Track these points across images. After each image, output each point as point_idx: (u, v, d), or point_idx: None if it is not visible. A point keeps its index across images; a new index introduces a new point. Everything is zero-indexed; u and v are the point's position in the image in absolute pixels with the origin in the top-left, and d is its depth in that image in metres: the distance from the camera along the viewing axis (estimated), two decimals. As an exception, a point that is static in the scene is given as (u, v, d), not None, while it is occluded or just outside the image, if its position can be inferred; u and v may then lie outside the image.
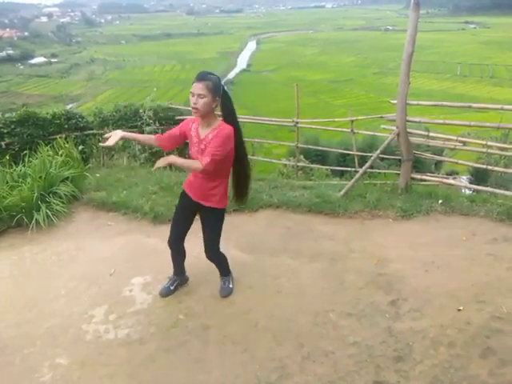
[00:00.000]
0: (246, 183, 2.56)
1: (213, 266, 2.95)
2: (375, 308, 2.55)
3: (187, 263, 2.82)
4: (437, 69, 54.03)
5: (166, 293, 2.77)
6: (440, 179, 4.82)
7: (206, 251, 2.60)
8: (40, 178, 4.06)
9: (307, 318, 2.51)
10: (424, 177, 4.47)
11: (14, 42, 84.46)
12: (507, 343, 2.19)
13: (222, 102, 2.27)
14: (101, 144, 2.39)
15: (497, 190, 4.01)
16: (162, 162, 2.20)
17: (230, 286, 2.79)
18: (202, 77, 2.15)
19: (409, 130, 3.97)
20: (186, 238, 2.66)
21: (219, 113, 2.34)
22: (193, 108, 2.18)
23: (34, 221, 3.74)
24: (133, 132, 6.75)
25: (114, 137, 2.31)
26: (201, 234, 2.70)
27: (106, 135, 2.36)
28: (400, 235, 3.39)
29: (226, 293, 2.76)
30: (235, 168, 2.45)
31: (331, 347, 2.28)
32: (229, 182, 2.51)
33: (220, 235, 2.57)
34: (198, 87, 2.13)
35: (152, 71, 63.61)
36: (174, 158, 2.24)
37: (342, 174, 7.39)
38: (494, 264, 2.89)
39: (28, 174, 4.16)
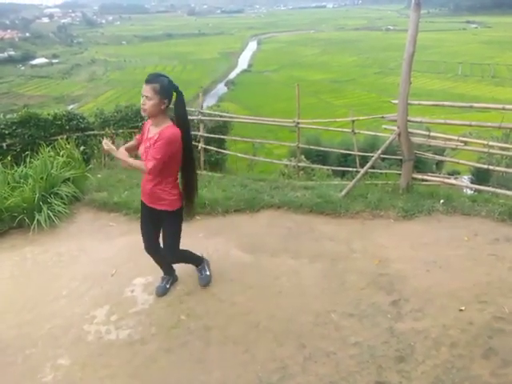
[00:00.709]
0: (192, 191, 2.54)
1: (214, 266, 2.96)
2: (377, 308, 2.55)
3: (189, 265, 2.82)
4: (438, 69, 53.92)
5: (163, 291, 2.79)
6: (441, 179, 4.81)
7: (166, 256, 2.62)
8: (41, 178, 4.07)
9: (308, 319, 2.50)
10: (425, 177, 4.46)
11: (15, 43, 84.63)
12: (509, 343, 2.19)
13: (175, 103, 2.30)
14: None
15: (498, 190, 4.00)
16: (112, 150, 2.28)
17: (207, 273, 2.83)
18: (150, 79, 2.21)
19: (410, 129, 3.97)
20: (187, 236, 2.66)
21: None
22: (142, 108, 2.26)
23: (35, 222, 3.75)
24: (134, 131, 6.80)
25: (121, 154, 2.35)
26: (201, 235, 2.71)
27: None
28: (401, 235, 3.38)
29: (206, 281, 2.79)
30: (182, 172, 2.47)
31: (333, 348, 2.27)
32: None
33: (179, 238, 2.55)
34: (146, 89, 2.20)
35: (153, 71, 63.64)
36: (124, 156, 2.29)
37: (343, 175, 7.38)
38: (495, 264, 2.89)
39: (29, 175, 4.17)
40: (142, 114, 2.30)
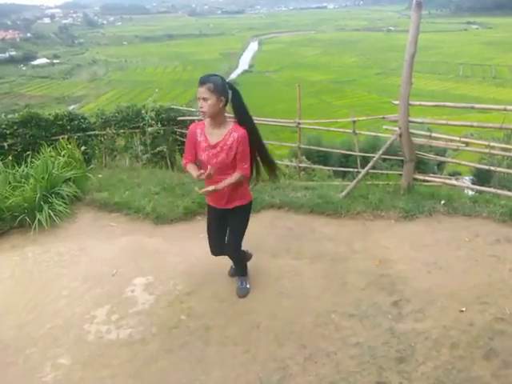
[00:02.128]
0: (271, 161, 2.63)
1: (214, 266, 2.96)
2: (377, 309, 2.54)
3: (188, 264, 2.83)
4: (439, 69, 53.95)
5: (247, 293, 2.76)
6: (442, 180, 4.80)
7: (230, 252, 2.62)
8: (42, 178, 4.07)
9: (309, 319, 2.50)
10: (426, 177, 4.45)
11: (16, 44, 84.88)
12: (510, 345, 2.19)
13: (232, 100, 2.29)
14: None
15: (499, 191, 3.99)
16: (208, 191, 2.26)
17: (248, 286, 2.79)
18: (203, 80, 2.20)
19: (411, 130, 3.96)
20: (188, 236, 2.66)
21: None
22: (200, 111, 2.24)
23: (36, 221, 3.75)
24: (135, 132, 6.80)
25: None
26: (203, 235, 2.71)
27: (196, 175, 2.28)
28: (402, 236, 3.38)
29: (244, 292, 2.75)
30: (260, 157, 2.52)
31: (333, 348, 2.27)
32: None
33: (245, 232, 2.59)
34: (201, 91, 2.19)
35: (154, 72, 63.81)
36: (217, 187, 2.27)
37: (344, 175, 7.37)
38: (496, 265, 2.88)
39: (30, 175, 4.17)
40: (202, 117, 2.29)
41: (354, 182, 4.11)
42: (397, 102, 3.87)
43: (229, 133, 2.31)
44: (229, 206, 2.47)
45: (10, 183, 4.09)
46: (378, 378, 2.07)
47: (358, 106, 33.35)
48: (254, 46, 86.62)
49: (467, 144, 4.13)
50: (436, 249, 3.14)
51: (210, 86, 2.18)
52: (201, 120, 2.44)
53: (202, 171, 2.23)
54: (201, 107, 2.21)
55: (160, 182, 4.67)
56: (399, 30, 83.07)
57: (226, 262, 2.77)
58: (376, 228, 3.54)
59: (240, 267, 2.79)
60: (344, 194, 4.03)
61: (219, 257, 2.72)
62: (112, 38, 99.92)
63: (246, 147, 2.32)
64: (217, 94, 2.20)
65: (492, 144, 3.94)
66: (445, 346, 2.22)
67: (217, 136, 2.32)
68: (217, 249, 2.67)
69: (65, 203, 4.04)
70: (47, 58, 73.55)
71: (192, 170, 2.35)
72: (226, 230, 2.60)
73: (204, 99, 2.19)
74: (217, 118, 2.29)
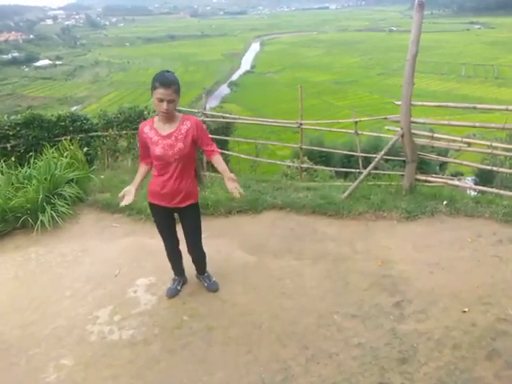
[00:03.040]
0: (199, 169, 2.63)
1: (214, 267, 2.96)
2: (380, 310, 2.54)
3: (190, 264, 2.82)
4: (441, 69, 53.78)
5: (174, 293, 2.79)
6: (445, 180, 4.79)
7: (193, 251, 2.65)
8: (45, 179, 4.09)
9: (311, 320, 2.50)
10: (429, 178, 4.45)
11: (19, 45, 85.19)
12: (513, 345, 2.18)
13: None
14: (121, 204, 2.44)
15: (502, 192, 3.98)
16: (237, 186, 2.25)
17: (215, 279, 2.85)
18: (169, 82, 2.14)
19: (413, 131, 3.95)
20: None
21: None
22: (164, 113, 2.21)
23: (39, 222, 3.77)
24: (137, 133, 6.82)
25: (129, 195, 2.41)
26: (204, 235, 2.71)
27: (120, 195, 2.42)
28: (404, 237, 3.38)
29: (216, 287, 2.80)
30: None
31: (335, 349, 2.27)
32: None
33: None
34: (168, 93, 2.14)
35: (156, 73, 63.75)
36: (232, 177, 2.27)
37: (346, 176, 7.36)
38: (499, 266, 2.88)
39: (33, 176, 4.19)
40: (163, 117, 2.28)
41: (356, 182, 4.11)
42: (399, 103, 3.87)
43: (181, 122, 2.30)
44: (181, 205, 2.43)
45: (12, 184, 4.11)
46: (380, 378, 2.07)
47: (360, 107, 33.29)
48: (256, 47, 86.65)
49: (469, 144, 4.13)
50: (438, 249, 3.13)
51: (175, 88, 2.16)
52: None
53: (134, 189, 2.40)
54: (166, 109, 2.17)
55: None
56: (401, 30, 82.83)
57: (228, 262, 2.78)
58: (378, 228, 3.53)
59: (204, 265, 2.81)
60: (346, 194, 4.02)
61: (222, 258, 2.72)
62: (114, 39, 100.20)
63: (205, 131, 2.35)
64: (179, 93, 2.21)
65: (494, 144, 3.93)
66: (447, 347, 2.21)
67: (169, 128, 2.30)
68: (175, 248, 2.68)
69: (67, 204, 4.06)
70: (50, 60, 73.77)
71: (139, 173, 2.48)
72: (175, 229, 2.61)
73: (170, 101, 2.16)
74: (172, 115, 2.28)
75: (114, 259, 3.30)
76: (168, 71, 2.21)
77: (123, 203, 2.36)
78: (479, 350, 2.18)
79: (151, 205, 2.55)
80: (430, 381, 2.03)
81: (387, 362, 2.15)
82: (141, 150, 2.47)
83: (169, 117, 2.28)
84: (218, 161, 2.33)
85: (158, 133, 2.32)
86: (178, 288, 2.82)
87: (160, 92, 2.13)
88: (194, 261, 2.76)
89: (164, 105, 2.16)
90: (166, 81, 2.14)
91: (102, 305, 2.76)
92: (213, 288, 2.80)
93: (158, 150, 2.31)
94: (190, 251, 2.67)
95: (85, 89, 55.33)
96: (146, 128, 2.37)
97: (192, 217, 2.53)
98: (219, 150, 2.41)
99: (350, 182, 5.08)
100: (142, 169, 2.52)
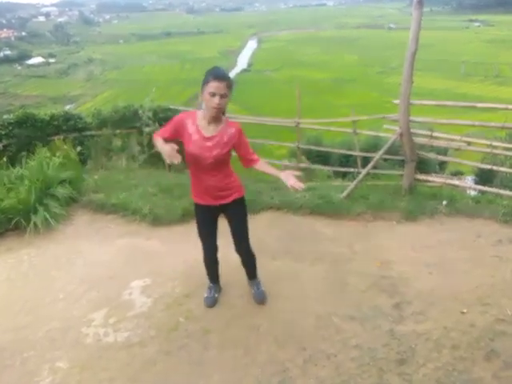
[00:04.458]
0: None
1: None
2: (378, 311, 2.53)
3: (186, 266, 2.80)
4: (440, 68, 53.77)
5: (213, 303, 2.68)
6: (444, 180, 4.77)
7: (241, 247, 2.53)
8: (37, 180, 4.02)
9: (309, 321, 2.48)
10: (428, 178, 4.43)
11: (11, 43, 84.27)
12: (511, 346, 2.17)
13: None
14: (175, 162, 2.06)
15: (502, 191, 3.97)
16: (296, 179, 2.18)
17: (264, 289, 2.70)
18: (223, 76, 2.07)
19: (412, 130, 3.94)
20: (186, 238, 2.63)
21: None
22: (216, 108, 2.10)
23: (31, 224, 3.70)
24: (132, 132, 6.76)
25: (174, 154, 2.04)
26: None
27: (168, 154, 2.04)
28: (403, 237, 3.36)
29: (264, 297, 2.66)
30: None
31: (333, 350, 2.26)
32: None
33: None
34: (221, 87, 2.05)
35: (151, 71, 63.46)
36: (293, 173, 2.23)
37: (344, 175, 7.33)
38: (498, 266, 2.87)
39: (25, 176, 4.11)
40: (214, 114, 2.14)
41: (355, 182, 4.08)
42: (397, 101, 3.85)
43: (225, 128, 2.23)
44: (227, 201, 2.37)
45: (4, 185, 4.04)
46: (379, 380, 2.06)
47: (359, 105, 33.14)
48: (252, 44, 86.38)
49: (469, 143, 4.11)
50: (438, 250, 3.12)
51: (229, 83, 2.07)
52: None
53: (175, 150, 2.01)
54: (218, 104, 2.07)
55: (157, 183, 4.64)
56: (400, 28, 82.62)
57: (224, 264, 2.73)
58: (377, 229, 3.52)
59: (254, 268, 2.66)
60: (344, 194, 4.00)
61: (218, 259, 2.68)
62: (108, 37, 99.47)
63: (246, 139, 2.30)
64: (231, 91, 2.11)
65: (494, 143, 3.92)
66: (446, 348, 2.21)
67: (212, 130, 2.22)
68: (213, 251, 2.59)
69: (60, 205, 4.00)
70: (42, 57, 73.06)
71: (162, 143, 2.11)
72: (217, 232, 2.53)
73: (222, 96, 2.06)
74: (220, 113, 2.19)
75: (108, 261, 3.26)
76: (222, 68, 2.16)
77: (176, 160, 2.04)
78: (478, 350, 2.17)
79: (196, 205, 2.45)
80: (428, 382, 2.03)
81: (385, 364, 2.14)
82: (165, 130, 2.24)
83: (217, 116, 2.17)
84: (263, 165, 2.32)
85: (199, 131, 2.21)
86: (216, 296, 2.71)
87: (213, 85, 2.04)
88: (243, 262, 2.62)
89: (216, 99, 2.06)
90: (220, 74, 2.06)
91: (97, 307, 2.72)
92: (258, 298, 2.65)
93: (194, 149, 2.21)
94: (239, 250, 2.54)
95: (78, 87, 54.97)
96: (188, 120, 2.23)
97: (239, 212, 2.45)
98: (258, 159, 2.35)
99: (348, 182, 5.06)
100: (162, 141, 2.18)
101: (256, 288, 2.69)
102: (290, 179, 2.15)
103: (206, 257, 2.60)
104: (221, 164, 2.29)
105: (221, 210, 2.44)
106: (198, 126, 2.22)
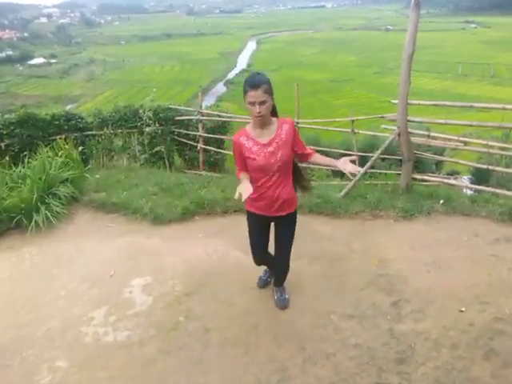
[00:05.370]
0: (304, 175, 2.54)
1: (213, 267, 2.94)
2: (377, 309, 2.53)
3: (187, 265, 2.81)
4: (438, 68, 53.95)
5: (264, 285, 2.81)
6: (441, 179, 4.80)
7: (280, 257, 2.50)
8: (39, 179, 4.05)
9: (308, 320, 2.49)
10: (425, 177, 4.45)
11: (13, 43, 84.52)
12: (510, 344, 2.18)
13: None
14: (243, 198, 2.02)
15: (498, 190, 3.99)
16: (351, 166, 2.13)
17: (287, 296, 2.68)
18: (257, 83, 2.02)
19: (410, 129, 3.95)
20: (186, 237, 2.63)
21: None
22: (258, 116, 2.07)
23: (33, 222, 3.73)
24: (132, 131, 6.78)
25: (247, 188, 2.05)
26: (201, 235, 2.69)
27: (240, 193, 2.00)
28: (401, 236, 3.37)
29: (286, 304, 2.65)
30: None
31: (332, 349, 2.26)
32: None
33: None
34: (258, 95, 2.02)
35: (152, 71, 63.56)
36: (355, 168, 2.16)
37: (342, 175, 7.35)
38: (496, 265, 2.88)
39: (27, 176, 4.15)
40: (259, 121, 2.11)
41: (353, 181, 4.10)
42: (395, 101, 3.86)
43: (279, 127, 2.18)
44: (282, 213, 2.31)
45: (7, 184, 4.07)
46: (378, 379, 2.06)
47: (357, 106, 33.33)
48: (252, 46, 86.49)
49: (466, 143, 4.13)
50: (435, 248, 3.13)
51: (266, 88, 2.02)
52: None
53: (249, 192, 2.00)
54: (259, 112, 2.04)
55: (158, 182, 4.65)
56: (397, 29, 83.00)
57: (225, 262, 2.75)
58: (375, 228, 3.53)
59: (284, 278, 2.66)
60: (343, 193, 4.01)
61: (219, 258, 2.70)
62: (109, 38, 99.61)
63: (298, 133, 2.27)
64: (271, 94, 2.07)
65: (490, 143, 3.94)
66: (445, 347, 2.21)
67: (268, 135, 2.17)
68: (261, 259, 2.57)
69: (62, 204, 4.02)
70: (44, 58, 73.20)
71: (245, 179, 2.15)
72: (269, 236, 2.49)
73: (261, 103, 2.03)
74: (266, 119, 2.13)
75: (109, 259, 3.27)
76: (258, 73, 2.10)
77: (245, 196, 2.01)
78: (477, 349, 2.17)
79: (249, 213, 2.41)
80: (427, 381, 2.03)
81: (384, 363, 2.15)
82: (238, 162, 2.27)
83: (264, 121, 2.13)
84: (319, 157, 2.28)
85: (256, 142, 2.17)
86: (269, 280, 2.81)
87: (250, 95, 2.02)
88: (276, 268, 2.64)
89: (256, 108, 2.03)
90: (253, 82, 2.03)
91: (97, 305, 2.73)
92: (280, 304, 2.63)
93: (259, 160, 2.16)
94: (277, 258, 2.52)
95: (80, 87, 55.00)
96: (242, 138, 2.20)
97: (289, 225, 2.41)
98: (313, 152, 2.29)
99: (346, 181, 5.08)
100: (244, 175, 2.24)
101: (279, 294, 2.68)
102: (347, 166, 2.11)
103: (255, 260, 2.57)
104: (287, 171, 2.25)
105: (274, 220, 2.40)
106: (252, 138, 2.19)
